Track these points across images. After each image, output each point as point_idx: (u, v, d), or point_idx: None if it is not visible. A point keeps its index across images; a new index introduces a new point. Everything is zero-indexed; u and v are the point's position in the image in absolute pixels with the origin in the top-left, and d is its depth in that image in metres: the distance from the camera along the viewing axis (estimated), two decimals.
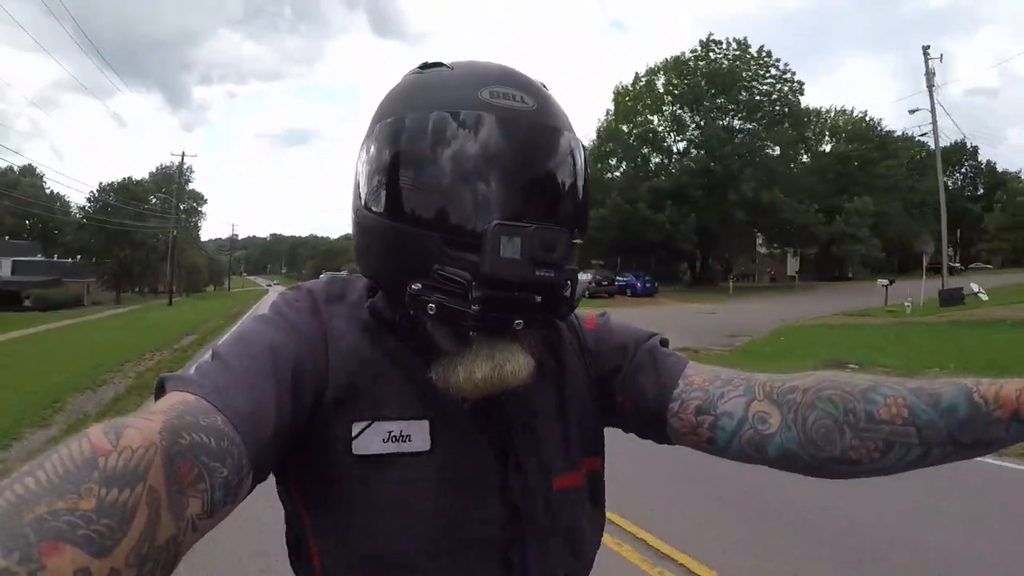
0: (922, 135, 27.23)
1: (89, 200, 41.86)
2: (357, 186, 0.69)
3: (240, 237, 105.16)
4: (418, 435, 0.64)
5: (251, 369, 0.58)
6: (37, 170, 48.09)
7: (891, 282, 20.23)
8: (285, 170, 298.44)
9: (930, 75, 23.26)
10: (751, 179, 33.47)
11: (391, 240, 0.65)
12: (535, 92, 0.66)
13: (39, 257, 42.91)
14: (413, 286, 0.61)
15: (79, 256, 41.90)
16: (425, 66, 0.70)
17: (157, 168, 53.06)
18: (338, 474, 0.63)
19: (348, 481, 0.63)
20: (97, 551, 0.38)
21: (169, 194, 44.63)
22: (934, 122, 23.41)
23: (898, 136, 44.39)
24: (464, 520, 0.65)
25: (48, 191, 49.63)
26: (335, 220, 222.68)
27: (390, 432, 0.63)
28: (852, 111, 47.37)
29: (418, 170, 0.63)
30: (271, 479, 0.64)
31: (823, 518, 3.63)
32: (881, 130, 46.48)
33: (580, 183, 0.67)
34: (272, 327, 0.63)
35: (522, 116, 0.63)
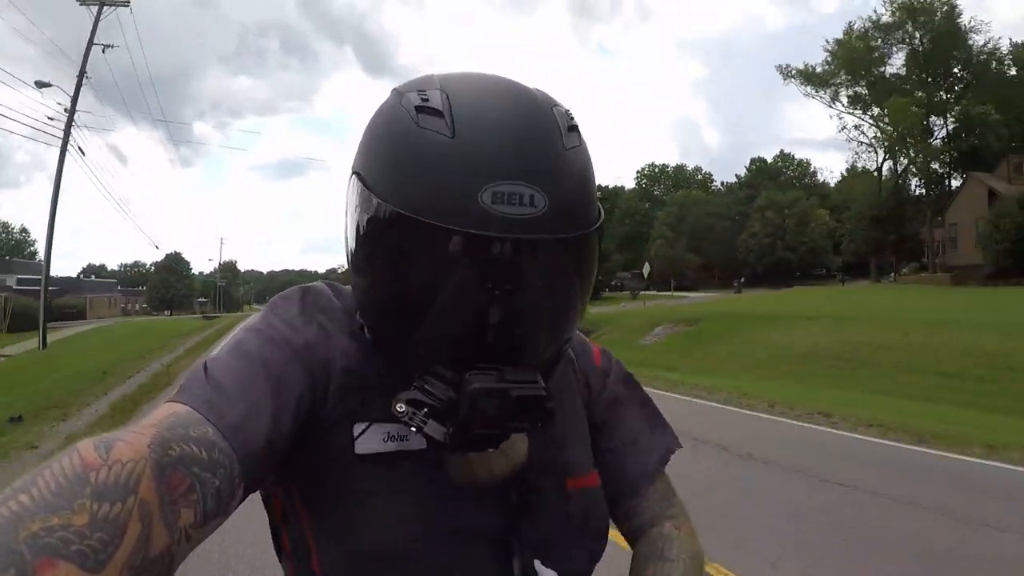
0: None
1: (204, 273, 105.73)
2: (347, 221, 0.63)
3: (240, 270, 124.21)
4: (414, 435, 0.62)
5: (243, 380, 0.57)
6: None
7: None
8: (283, 204, 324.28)
9: None
10: None
11: (377, 324, 0.64)
12: (549, 178, 0.57)
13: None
14: (398, 407, 0.58)
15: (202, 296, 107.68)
16: (423, 109, 0.58)
17: (221, 262, 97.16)
18: (340, 474, 0.63)
19: (350, 480, 0.63)
20: (91, 566, 0.38)
21: (229, 278, 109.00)
22: None
23: None
24: (461, 515, 0.65)
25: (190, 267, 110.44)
26: (324, 254, 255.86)
27: (388, 432, 0.64)
28: None
29: (397, 285, 0.59)
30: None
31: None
32: None
33: (585, 286, 0.63)
34: (263, 337, 0.62)
35: (526, 228, 0.55)
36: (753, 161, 74.72)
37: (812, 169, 71.33)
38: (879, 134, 40.75)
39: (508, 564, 0.67)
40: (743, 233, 58.13)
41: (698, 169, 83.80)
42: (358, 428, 0.63)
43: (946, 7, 37.89)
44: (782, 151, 78.13)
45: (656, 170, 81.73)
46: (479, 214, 0.54)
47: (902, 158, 40.88)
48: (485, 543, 0.66)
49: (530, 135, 0.58)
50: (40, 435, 7.49)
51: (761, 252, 56.42)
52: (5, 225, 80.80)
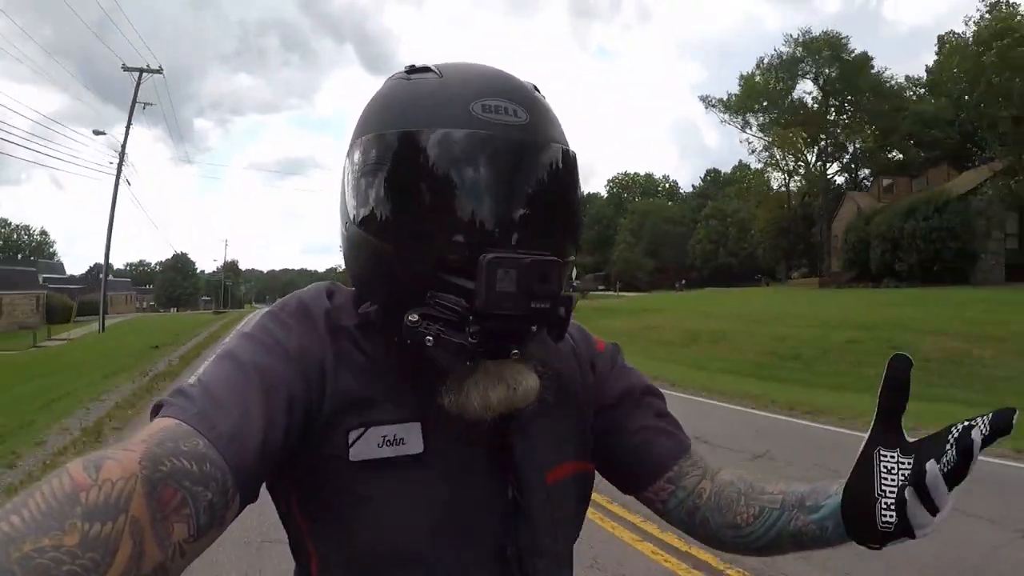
0: None
1: (206, 272, 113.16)
2: (344, 200, 0.67)
3: (242, 270, 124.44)
4: (411, 437, 0.64)
5: (235, 388, 0.57)
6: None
7: None
8: (283, 202, 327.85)
9: None
10: None
11: (382, 262, 0.64)
12: (528, 102, 0.64)
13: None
14: (410, 318, 0.59)
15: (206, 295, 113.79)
16: (412, 70, 0.67)
17: (225, 262, 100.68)
18: (336, 482, 0.63)
19: (346, 487, 0.63)
20: None
21: (232, 278, 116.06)
22: None
23: None
24: (461, 516, 0.65)
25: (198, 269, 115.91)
26: (324, 255, 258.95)
27: (384, 436, 0.63)
28: None
29: (406, 192, 0.61)
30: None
31: None
32: None
33: (574, 200, 0.67)
34: (256, 345, 0.62)
35: (514, 132, 0.62)
36: (708, 172, 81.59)
37: (767, 177, 78.81)
38: (775, 157, 47.89)
39: (508, 567, 0.67)
40: (692, 240, 65.13)
41: (665, 178, 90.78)
42: (353, 434, 0.63)
43: (836, 41, 44.14)
44: (740, 161, 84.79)
45: (628, 179, 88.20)
46: (471, 120, 0.61)
47: (794, 179, 48.03)
48: (484, 547, 0.67)
49: (507, 80, 0.66)
50: (176, 348, 17.79)
51: (706, 257, 63.29)
52: (27, 228, 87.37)
